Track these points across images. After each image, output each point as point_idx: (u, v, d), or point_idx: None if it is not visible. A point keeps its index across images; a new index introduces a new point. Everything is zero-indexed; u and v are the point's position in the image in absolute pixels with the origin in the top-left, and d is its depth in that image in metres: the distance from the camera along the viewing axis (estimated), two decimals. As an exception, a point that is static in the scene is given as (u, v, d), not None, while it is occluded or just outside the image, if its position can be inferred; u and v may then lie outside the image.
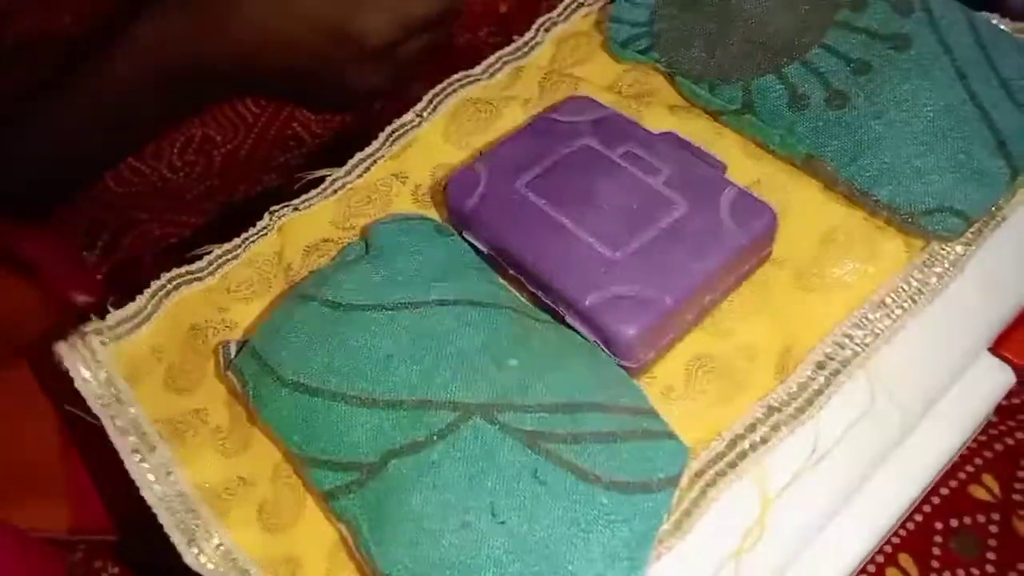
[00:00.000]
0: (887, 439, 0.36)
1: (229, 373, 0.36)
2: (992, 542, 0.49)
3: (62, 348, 0.38)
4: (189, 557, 0.33)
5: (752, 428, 0.34)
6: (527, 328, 0.35)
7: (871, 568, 0.48)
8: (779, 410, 0.34)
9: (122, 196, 0.63)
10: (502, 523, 0.30)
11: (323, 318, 0.35)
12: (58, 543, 0.45)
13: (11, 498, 0.43)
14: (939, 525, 0.50)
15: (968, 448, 0.52)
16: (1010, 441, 0.52)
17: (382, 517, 0.31)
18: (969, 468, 0.52)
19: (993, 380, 0.40)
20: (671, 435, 0.32)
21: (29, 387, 0.44)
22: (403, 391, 0.33)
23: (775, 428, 0.34)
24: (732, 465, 0.33)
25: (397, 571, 0.30)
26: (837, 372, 0.34)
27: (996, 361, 0.40)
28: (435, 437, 0.32)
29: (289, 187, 0.44)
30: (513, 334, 0.34)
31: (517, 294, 0.38)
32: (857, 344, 0.35)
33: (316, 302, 0.36)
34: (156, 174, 0.63)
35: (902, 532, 0.49)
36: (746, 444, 0.33)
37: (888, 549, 0.49)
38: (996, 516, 0.50)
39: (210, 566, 0.33)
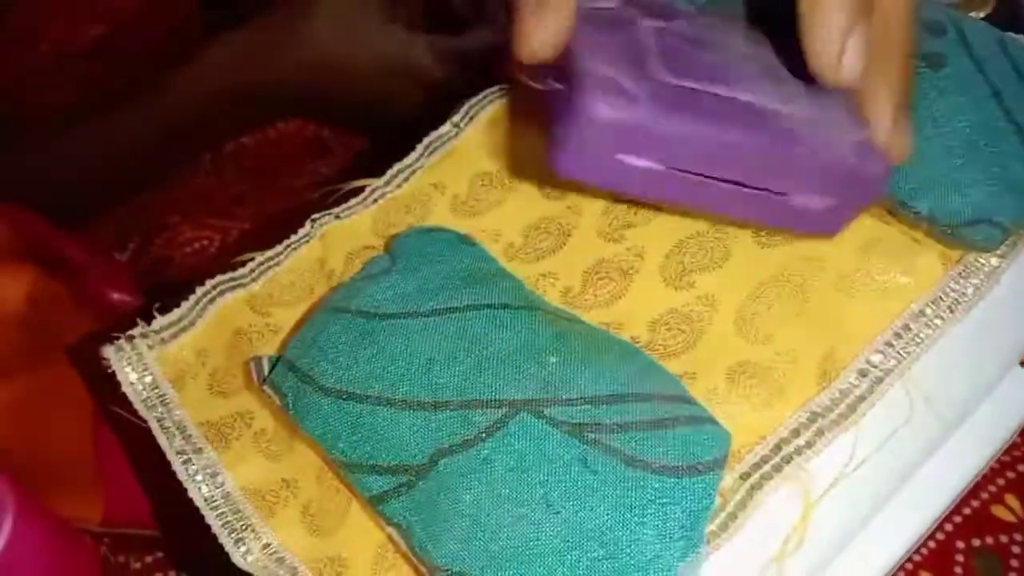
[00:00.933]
0: (924, 448, 0.36)
1: (266, 388, 0.37)
2: (1014, 563, 0.49)
3: (109, 351, 0.39)
4: (237, 556, 0.34)
5: (796, 433, 0.34)
6: (561, 327, 0.36)
7: (893, 587, 0.48)
8: (822, 416, 0.34)
9: (153, 198, 0.65)
10: (557, 513, 0.30)
11: (358, 328, 0.36)
12: (95, 535, 0.46)
13: (45, 490, 0.43)
14: (961, 544, 0.50)
15: (991, 468, 0.52)
16: (1033, 462, 0.53)
17: (435, 516, 0.32)
18: (992, 488, 0.52)
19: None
20: (712, 420, 0.33)
21: (65, 384, 0.44)
22: (447, 392, 0.33)
23: (819, 433, 0.34)
24: (778, 469, 0.33)
25: (457, 566, 0.31)
26: (880, 380, 0.35)
27: None
28: (483, 434, 0.32)
29: (326, 197, 0.45)
30: (549, 333, 0.35)
31: (544, 297, 0.38)
32: (899, 352, 0.35)
33: (349, 314, 0.37)
34: (187, 177, 0.65)
35: (924, 550, 0.49)
36: (791, 448, 0.34)
37: (909, 567, 0.49)
38: (1019, 536, 0.50)
39: (259, 564, 0.33)
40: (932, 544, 0.50)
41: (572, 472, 0.31)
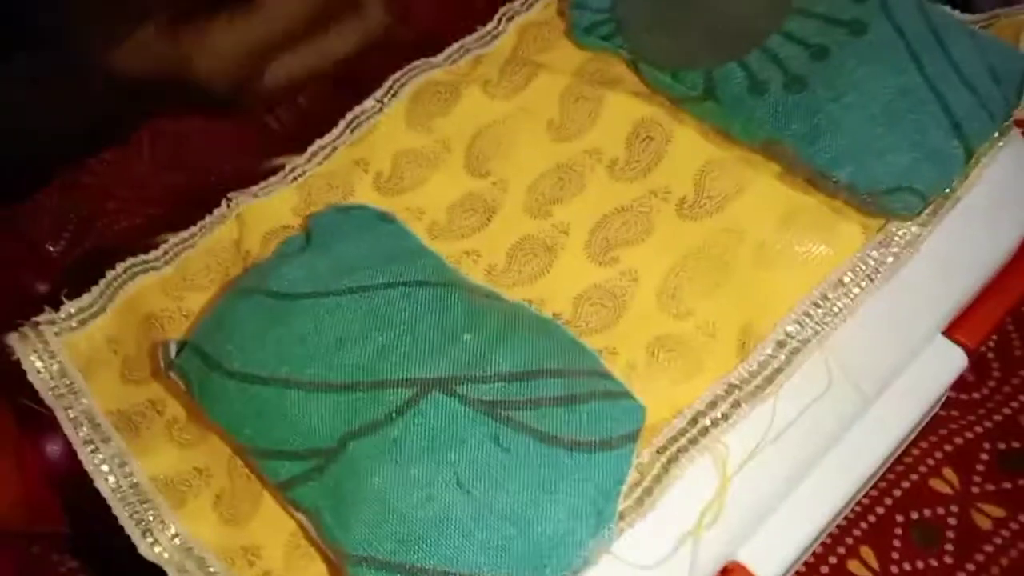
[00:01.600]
0: (843, 418, 0.36)
1: (172, 373, 0.36)
2: (951, 534, 0.50)
3: (14, 339, 0.38)
4: (143, 547, 0.33)
5: (713, 405, 0.34)
6: (478, 304, 0.35)
7: (832, 560, 0.49)
8: (740, 388, 0.34)
9: (89, 187, 0.63)
10: (468, 492, 0.30)
11: (268, 309, 0.35)
12: (14, 537, 0.45)
13: None
14: (900, 518, 0.51)
15: (928, 442, 0.52)
16: (969, 435, 0.53)
17: (344, 500, 0.31)
18: (930, 461, 0.53)
19: (946, 363, 0.40)
20: (627, 394, 0.33)
21: None
22: (357, 373, 0.33)
23: (735, 405, 0.34)
24: (693, 441, 0.33)
25: (364, 551, 0.30)
26: (797, 351, 0.35)
27: (949, 343, 0.40)
28: (394, 414, 0.31)
29: (249, 176, 0.43)
30: (465, 310, 0.34)
31: (465, 275, 0.38)
32: (816, 323, 0.35)
33: (259, 294, 0.36)
34: (124, 165, 0.63)
35: (863, 525, 0.50)
36: (707, 421, 0.33)
37: (849, 541, 0.49)
38: (955, 508, 0.51)
39: (165, 555, 0.32)
40: (872, 519, 0.50)
41: (484, 450, 0.30)
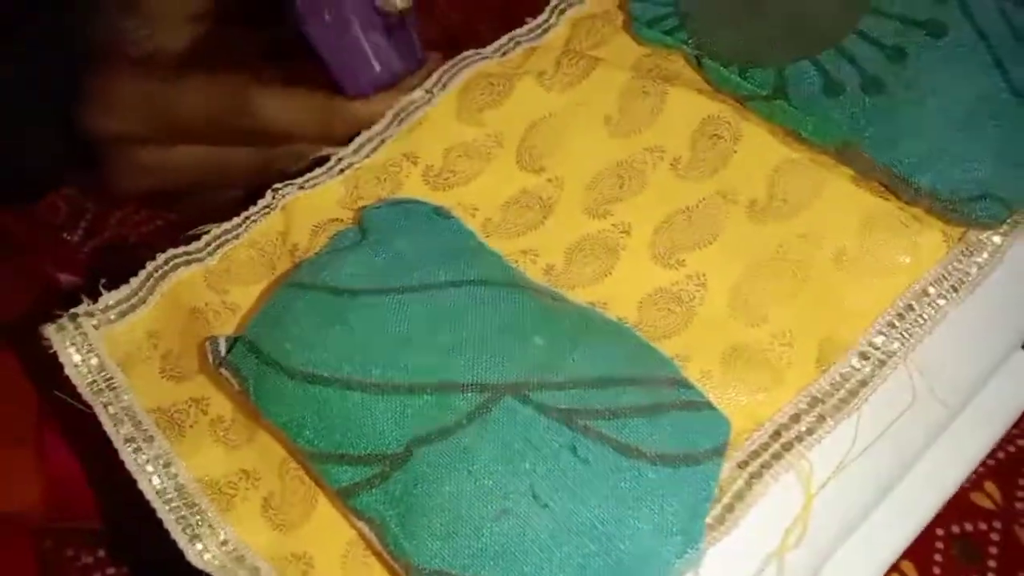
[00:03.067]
0: (927, 434, 0.34)
1: (223, 370, 0.34)
2: (993, 549, 0.49)
3: (50, 331, 0.36)
4: (192, 554, 0.31)
5: (796, 419, 0.32)
6: (547, 306, 0.34)
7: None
8: (822, 401, 0.32)
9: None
10: (545, 506, 0.28)
11: (326, 305, 0.33)
12: (29, 530, 0.43)
13: None
14: (940, 532, 0.50)
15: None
16: (1012, 449, 0.52)
17: (412, 510, 0.29)
18: (971, 476, 0.52)
19: None
20: (710, 405, 0.31)
21: (3, 368, 0.42)
22: (424, 375, 0.31)
23: (820, 420, 0.32)
24: (777, 457, 0.31)
25: (435, 563, 0.28)
26: (882, 363, 0.33)
27: None
28: (464, 421, 0.30)
29: (287, 168, 0.42)
30: (534, 312, 0.33)
31: (528, 275, 0.36)
32: (901, 334, 0.34)
33: (316, 290, 0.34)
34: None
35: (902, 539, 0.49)
36: (791, 435, 0.32)
37: (891, 556, 0.48)
38: (998, 524, 0.50)
39: (216, 562, 0.31)
40: (912, 533, 0.49)
41: (561, 461, 0.29)
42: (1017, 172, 0.36)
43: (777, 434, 0.32)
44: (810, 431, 0.32)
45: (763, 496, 0.31)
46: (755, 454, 0.31)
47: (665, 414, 0.30)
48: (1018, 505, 0.50)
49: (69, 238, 0.56)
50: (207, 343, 0.35)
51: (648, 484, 0.29)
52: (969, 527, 0.50)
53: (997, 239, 0.36)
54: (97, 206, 0.58)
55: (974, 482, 0.52)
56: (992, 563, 0.49)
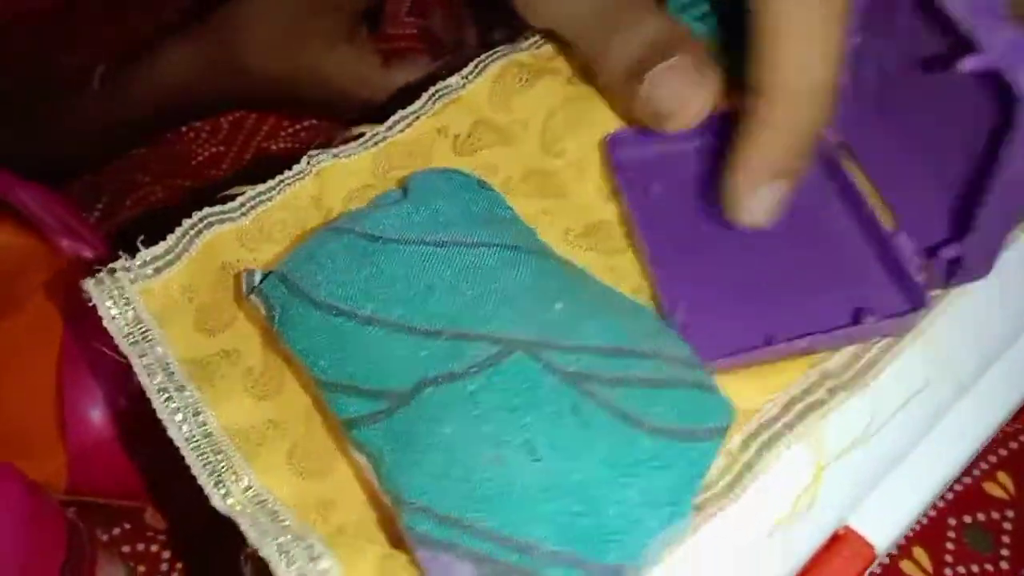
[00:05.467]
0: (938, 411, 0.35)
1: (252, 297, 0.35)
2: (1006, 539, 0.50)
3: (90, 284, 0.37)
4: (216, 499, 0.32)
5: (808, 392, 0.33)
6: (573, 276, 0.34)
7: (885, 560, 0.48)
8: (836, 376, 0.33)
9: (123, 158, 0.63)
10: (538, 460, 0.29)
11: (359, 248, 0.35)
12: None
13: (5, 455, 0.41)
14: (952, 521, 0.51)
15: (983, 446, 0.52)
16: (1024, 439, 0.53)
17: (410, 447, 0.30)
18: (984, 465, 0.53)
19: None
20: (718, 390, 0.32)
21: (27, 344, 0.43)
22: (443, 321, 0.32)
23: (832, 392, 0.33)
24: (789, 427, 0.32)
25: (424, 500, 0.29)
26: (895, 342, 0.34)
27: None
28: (474, 369, 0.31)
29: (323, 143, 0.42)
30: (559, 279, 0.34)
31: (554, 247, 0.37)
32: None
33: (352, 234, 0.35)
34: (157, 148, 0.63)
35: (916, 526, 0.50)
36: (802, 405, 0.33)
37: (903, 542, 0.49)
38: (1010, 513, 0.51)
39: (238, 507, 0.32)
40: (924, 520, 0.50)
41: (561, 420, 0.30)
42: None
43: (789, 406, 0.33)
44: (822, 402, 0.33)
45: (773, 465, 0.32)
46: (766, 425, 0.32)
47: (671, 390, 0.30)
48: (1031, 494, 0.51)
49: (87, 216, 0.58)
50: (242, 273, 0.36)
51: (643, 454, 0.29)
52: (982, 516, 0.51)
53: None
54: (112, 191, 0.60)
55: (987, 472, 0.52)
56: (1005, 551, 0.49)
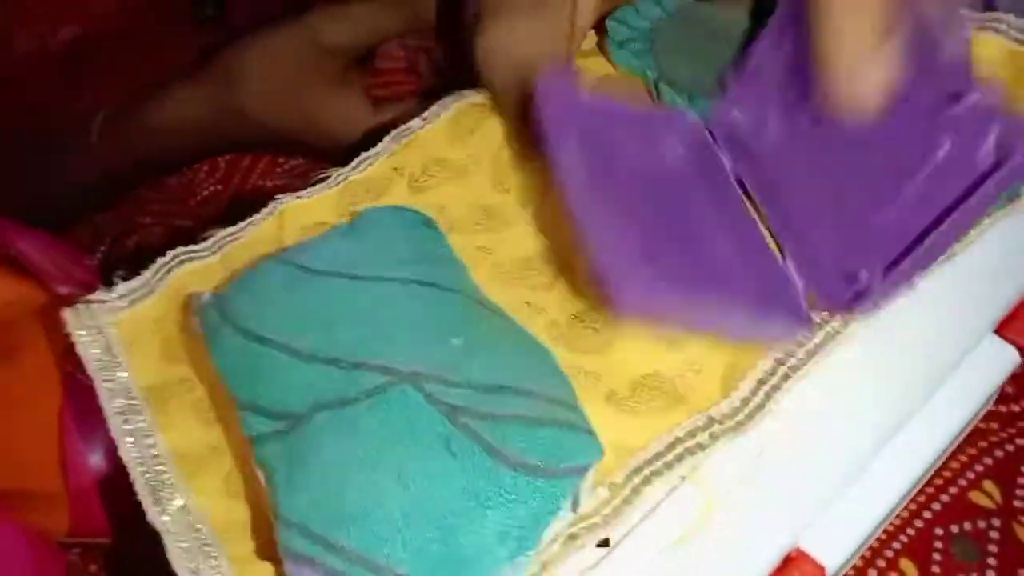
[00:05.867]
0: (843, 452, 0.36)
1: (195, 318, 0.39)
2: (993, 548, 0.50)
3: (68, 314, 0.41)
4: (152, 514, 0.35)
5: (692, 434, 0.35)
6: (479, 315, 0.37)
7: (872, 573, 0.49)
8: (720, 422, 0.35)
9: (124, 199, 0.66)
10: (406, 487, 0.31)
11: (290, 279, 0.38)
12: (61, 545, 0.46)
13: (9, 498, 0.44)
14: (939, 531, 0.50)
15: (968, 455, 0.52)
16: (1010, 448, 0.53)
17: (296, 466, 0.33)
18: (970, 475, 0.52)
19: (998, 361, 0.40)
20: (590, 431, 0.33)
21: (29, 390, 0.45)
22: (343, 350, 0.35)
23: (714, 437, 0.35)
24: (669, 466, 0.34)
25: (297, 516, 0.32)
26: (776, 387, 0.35)
27: (1001, 342, 0.40)
28: (362, 396, 0.33)
29: (295, 189, 0.46)
30: (463, 316, 0.36)
31: (480, 290, 0.39)
32: (798, 360, 0.36)
33: (290, 265, 0.39)
34: (160, 191, 0.66)
35: (903, 538, 0.50)
36: (683, 448, 0.34)
37: (889, 554, 0.49)
38: (997, 522, 0.51)
39: (169, 524, 0.35)
40: (911, 532, 0.50)
41: (433, 451, 0.32)
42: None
43: (672, 446, 0.34)
44: (702, 446, 0.34)
45: (654, 501, 0.34)
46: (648, 462, 0.34)
47: (543, 428, 0.32)
48: (1017, 503, 0.51)
49: (89, 262, 0.59)
50: (193, 296, 0.40)
51: (503, 487, 0.31)
52: (968, 526, 0.50)
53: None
54: (114, 233, 0.63)
55: (973, 481, 0.52)
56: (992, 561, 0.49)
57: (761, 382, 0.36)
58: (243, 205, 0.44)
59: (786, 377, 0.36)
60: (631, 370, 0.37)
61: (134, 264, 0.42)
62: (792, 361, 0.36)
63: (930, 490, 0.51)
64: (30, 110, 0.55)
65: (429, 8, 0.53)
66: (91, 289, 0.41)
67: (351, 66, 0.58)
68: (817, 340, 0.36)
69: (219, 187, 0.67)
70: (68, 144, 0.57)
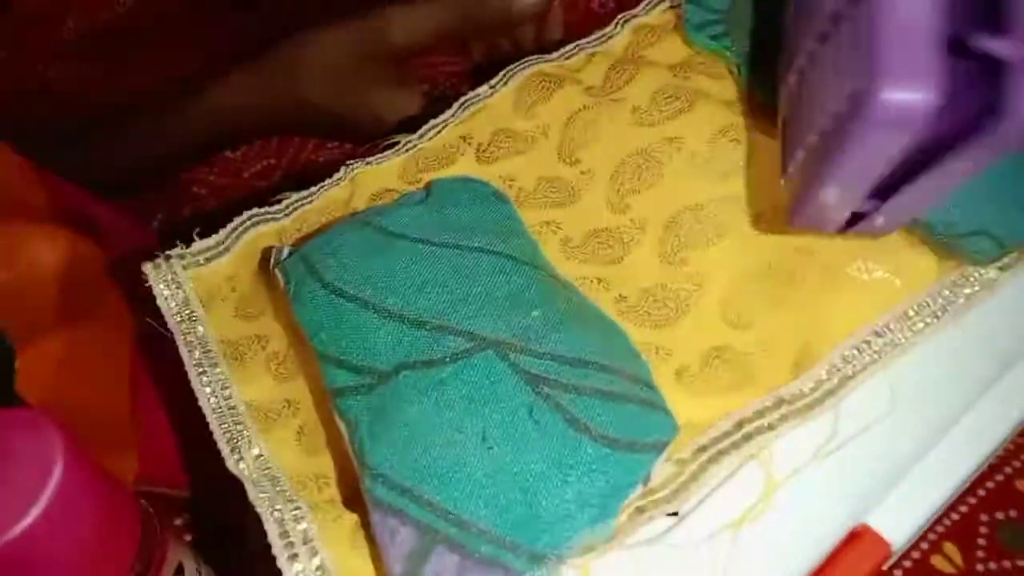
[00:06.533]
0: (907, 447, 0.37)
1: (276, 270, 0.40)
2: None
3: (148, 267, 0.42)
4: (231, 462, 0.37)
5: (760, 415, 0.35)
6: (555, 289, 0.37)
7: (915, 555, 0.49)
8: (789, 403, 0.35)
9: (176, 185, 0.67)
10: (489, 448, 0.32)
11: (373, 240, 0.39)
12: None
13: (83, 447, 0.44)
14: (985, 517, 0.50)
15: (1014, 442, 0.52)
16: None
17: (382, 420, 0.34)
18: (1016, 463, 0.52)
19: None
20: (666, 410, 0.34)
21: (101, 343, 0.46)
22: (428, 313, 0.36)
23: (783, 418, 0.35)
24: (736, 445, 0.35)
25: (383, 468, 0.33)
26: (850, 377, 0.36)
27: None
28: (447, 359, 0.34)
29: (368, 151, 0.47)
30: (542, 290, 0.37)
31: (553, 265, 0.40)
32: (875, 351, 0.36)
33: (370, 227, 0.40)
34: (212, 167, 0.67)
35: (947, 522, 0.50)
36: (752, 427, 0.35)
37: (933, 537, 0.50)
38: None
39: (246, 472, 0.36)
40: (956, 516, 0.50)
41: (516, 417, 0.33)
42: (1016, 212, 0.37)
43: (739, 425, 0.35)
44: (772, 427, 0.35)
45: (719, 478, 0.34)
46: (715, 440, 0.35)
47: (622, 403, 0.33)
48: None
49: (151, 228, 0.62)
50: (272, 248, 0.41)
51: (584, 457, 0.32)
52: (1014, 513, 0.50)
53: (992, 274, 0.38)
54: (170, 205, 0.64)
55: (1019, 470, 0.52)
56: None
57: (836, 367, 0.36)
58: (309, 172, 0.44)
59: (862, 367, 0.36)
60: (702, 343, 0.37)
61: (192, 225, 0.43)
62: (869, 349, 0.36)
63: (975, 476, 0.51)
64: (78, 95, 0.55)
65: (490, 8, 0.54)
66: (156, 251, 0.42)
67: (410, 64, 0.59)
68: (893, 329, 0.37)
69: (272, 161, 0.67)
70: (124, 122, 0.57)
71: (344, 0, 0.58)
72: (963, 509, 0.51)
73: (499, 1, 0.54)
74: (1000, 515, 0.51)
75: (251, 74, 0.57)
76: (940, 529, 0.50)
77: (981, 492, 0.51)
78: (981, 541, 0.50)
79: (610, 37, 0.49)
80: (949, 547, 0.50)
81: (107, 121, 0.57)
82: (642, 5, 0.50)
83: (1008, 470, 0.52)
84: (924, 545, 0.49)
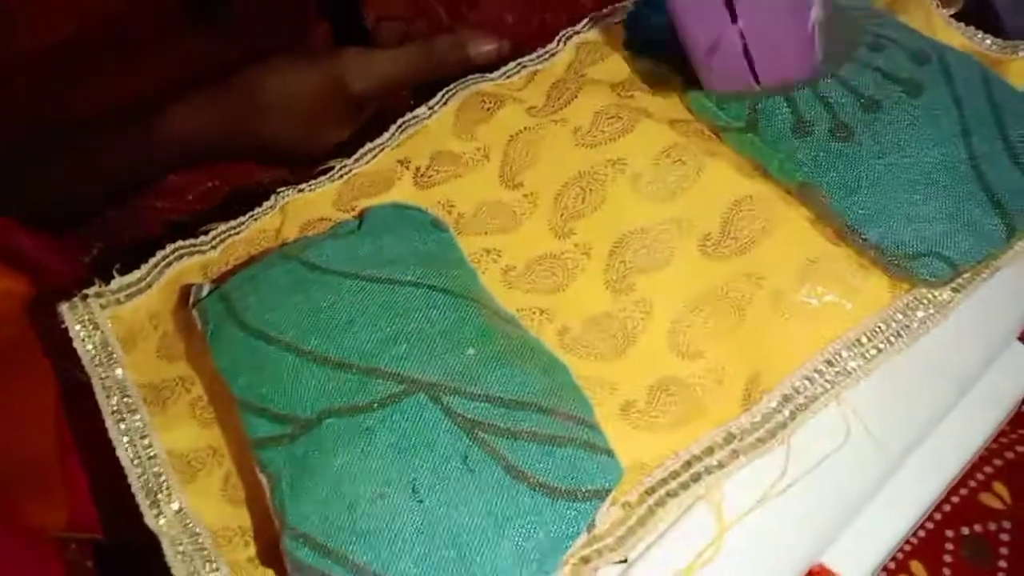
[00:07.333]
0: (866, 475, 0.35)
1: (194, 311, 0.38)
2: (1004, 550, 0.49)
3: (64, 308, 0.40)
4: (149, 517, 0.34)
5: (709, 452, 0.34)
6: (493, 325, 0.36)
7: (882, 575, 0.48)
8: (739, 438, 0.34)
9: (122, 200, 0.63)
10: (420, 501, 0.30)
11: (298, 276, 0.37)
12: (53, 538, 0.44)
13: (10, 496, 0.42)
14: (950, 533, 0.50)
15: (979, 456, 0.51)
16: (1020, 449, 0.53)
17: (304, 472, 0.32)
18: (979, 476, 0.52)
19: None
20: (610, 452, 0.33)
21: (28, 387, 0.44)
22: (355, 355, 0.34)
23: (734, 455, 0.34)
24: (685, 486, 0.33)
25: (305, 527, 0.31)
26: (803, 407, 0.34)
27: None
28: (375, 404, 0.32)
29: (300, 180, 0.45)
30: (478, 326, 0.35)
31: (494, 296, 0.38)
32: (827, 380, 0.35)
33: (295, 261, 0.37)
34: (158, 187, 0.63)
35: (913, 540, 0.49)
36: (701, 467, 0.33)
37: (900, 556, 0.49)
38: (1007, 524, 0.50)
39: (165, 528, 0.34)
40: (922, 533, 0.50)
41: (449, 465, 0.31)
42: (967, 234, 0.36)
43: (688, 464, 0.33)
44: (721, 464, 0.33)
45: (668, 522, 0.33)
46: (663, 481, 0.33)
47: (562, 448, 0.31)
48: (1027, 505, 0.50)
49: (83, 259, 0.59)
50: (192, 286, 0.38)
51: (522, 507, 0.30)
52: (979, 528, 0.50)
53: (946, 295, 0.36)
54: (111, 231, 0.61)
55: (983, 483, 0.51)
56: (1003, 563, 0.49)
57: (787, 398, 0.35)
58: (241, 199, 0.43)
59: (814, 397, 0.35)
60: (649, 375, 0.36)
61: (129, 261, 0.41)
62: (821, 378, 0.35)
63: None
64: (28, 112, 0.54)
65: (448, 57, 0.53)
66: (85, 286, 0.40)
67: (364, 107, 0.59)
68: (845, 356, 0.35)
69: (217, 182, 0.65)
70: (68, 146, 0.56)
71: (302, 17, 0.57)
72: (929, 526, 0.51)
73: (457, 50, 0.53)
74: (965, 530, 0.50)
75: (209, 100, 0.56)
76: (907, 548, 0.49)
77: (947, 508, 0.51)
78: (947, 558, 0.49)
79: (552, 54, 0.48)
80: (916, 565, 0.49)
81: (43, 146, 0.55)
82: (584, 22, 0.49)
83: (972, 484, 0.52)
84: (891, 564, 0.48)
